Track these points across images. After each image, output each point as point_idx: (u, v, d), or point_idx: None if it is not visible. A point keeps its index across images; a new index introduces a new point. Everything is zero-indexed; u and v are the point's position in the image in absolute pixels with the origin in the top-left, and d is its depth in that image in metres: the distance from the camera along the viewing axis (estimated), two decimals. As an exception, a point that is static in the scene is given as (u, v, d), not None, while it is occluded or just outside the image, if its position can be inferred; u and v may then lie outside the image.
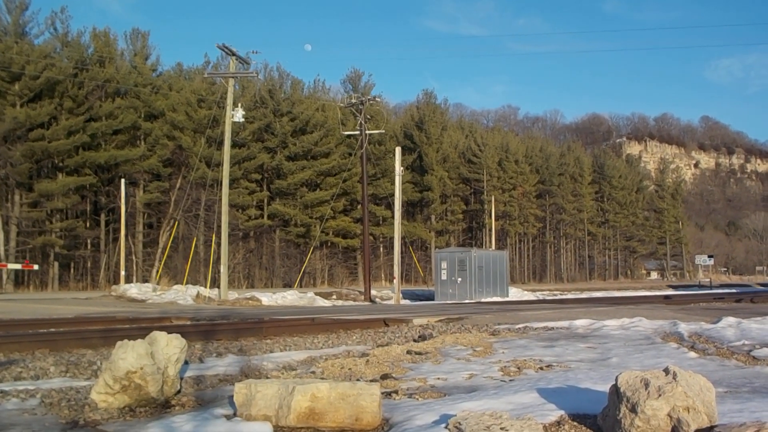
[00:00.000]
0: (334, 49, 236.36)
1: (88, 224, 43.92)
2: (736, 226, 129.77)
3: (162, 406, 4.70)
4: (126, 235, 37.61)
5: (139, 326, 11.24)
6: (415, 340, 8.78)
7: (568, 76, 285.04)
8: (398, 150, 31.92)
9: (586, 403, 4.27)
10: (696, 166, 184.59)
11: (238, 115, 26.23)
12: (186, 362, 5.97)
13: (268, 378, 5.51)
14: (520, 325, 10.51)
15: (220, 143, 28.52)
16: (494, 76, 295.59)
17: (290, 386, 4.16)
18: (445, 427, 3.67)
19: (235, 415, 4.27)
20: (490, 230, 59.20)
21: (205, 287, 28.52)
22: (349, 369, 6.28)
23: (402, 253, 32.12)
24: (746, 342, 7.61)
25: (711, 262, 59.29)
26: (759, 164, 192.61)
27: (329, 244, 54.09)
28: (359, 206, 46.34)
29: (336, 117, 45.93)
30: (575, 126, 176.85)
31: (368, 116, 35.02)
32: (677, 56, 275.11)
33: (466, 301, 26.76)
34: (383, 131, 43.39)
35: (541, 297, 32.33)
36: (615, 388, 3.68)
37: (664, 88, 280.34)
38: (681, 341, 8.06)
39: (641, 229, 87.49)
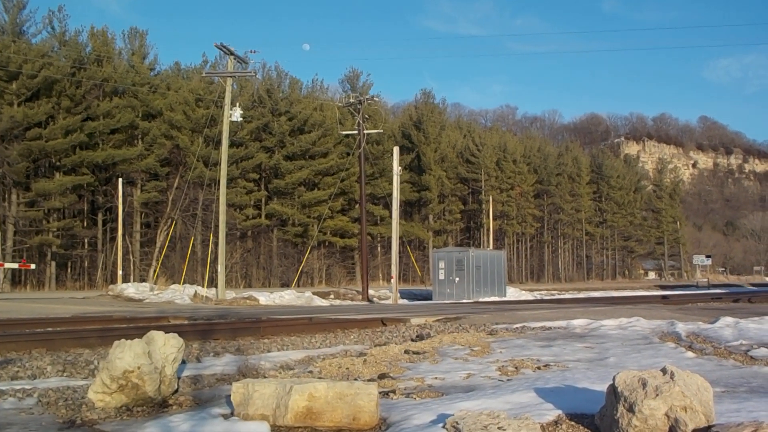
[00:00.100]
0: (333, 49, 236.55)
1: (85, 224, 43.89)
2: (734, 227, 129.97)
3: (159, 406, 4.69)
4: (123, 235, 37.60)
5: (136, 326, 11.23)
6: (412, 340, 8.77)
7: (566, 76, 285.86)
8: (396, 150, 31.89)
9: (584, 402, 4.26)
10: (694, 166, 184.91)
11: (236, 114, 26.24)
12: (183, 362, 5.97)
13: (265, 377, 5.50)
14: (518, 325, 10.50)
15: (218, 143, 28.49)
16: (492, 75, 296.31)
17: (287, 386, 4.15)
18: (443, 427, 3.66)
19: (232, 414, 4.26)
20: (488, 230, 59.29)
21: (203, 287, 28.49)
22: (347, 368, 6.27)
23: (400, 252, 32.12)
24: (744, 342, 7.61)
25: (709, 262, 59.40)
26: (757, 164, 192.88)
27: (327, 243, 54.08)
28: (357, 206, 46.31)
29: (334, 116, 45.95)
30: (573, 126, 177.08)
31: (366, 116, 34.97)
32: (676, 56, 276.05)
33: (464, 300, 26.78)
34: (381, 131, 43.33)
35: (538, 297, 32.35)
36: (612, 388, 3.68)
37: (663, 88, 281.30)
38: (678, 341, 8.06)
39: (639, 229, 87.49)
